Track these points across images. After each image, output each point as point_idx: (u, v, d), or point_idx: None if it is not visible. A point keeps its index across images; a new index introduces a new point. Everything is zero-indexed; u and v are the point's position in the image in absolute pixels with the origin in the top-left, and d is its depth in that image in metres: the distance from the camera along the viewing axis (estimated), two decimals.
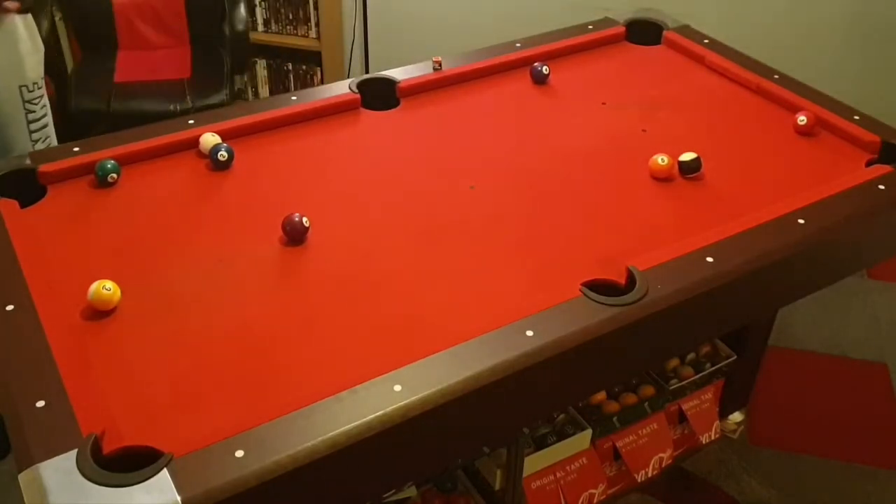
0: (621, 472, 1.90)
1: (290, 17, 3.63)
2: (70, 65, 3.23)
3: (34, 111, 2.01)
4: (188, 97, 2.91)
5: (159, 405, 1.13)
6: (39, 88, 2.02)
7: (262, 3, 3.61)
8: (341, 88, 1.86)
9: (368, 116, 1.83)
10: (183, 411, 1.12)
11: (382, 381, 1.14)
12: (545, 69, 1.94)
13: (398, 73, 1.91)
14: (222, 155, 1.62)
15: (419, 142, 1.75)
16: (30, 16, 1.98)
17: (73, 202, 1.53)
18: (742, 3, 3.25)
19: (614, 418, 1.83)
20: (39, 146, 2.09)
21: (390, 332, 1.26)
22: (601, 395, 1.87)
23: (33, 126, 2.01)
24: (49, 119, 2.08)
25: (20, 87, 1.96)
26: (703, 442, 2.04)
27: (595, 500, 1.84)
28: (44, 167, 1.57)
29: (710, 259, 1.38)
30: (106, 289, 1.27)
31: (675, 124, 1.81)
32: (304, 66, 3.72)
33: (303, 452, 1.04)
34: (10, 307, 1.24)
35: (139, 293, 1.32)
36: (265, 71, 3.76)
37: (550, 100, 1.90)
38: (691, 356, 2.02)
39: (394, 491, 1.64)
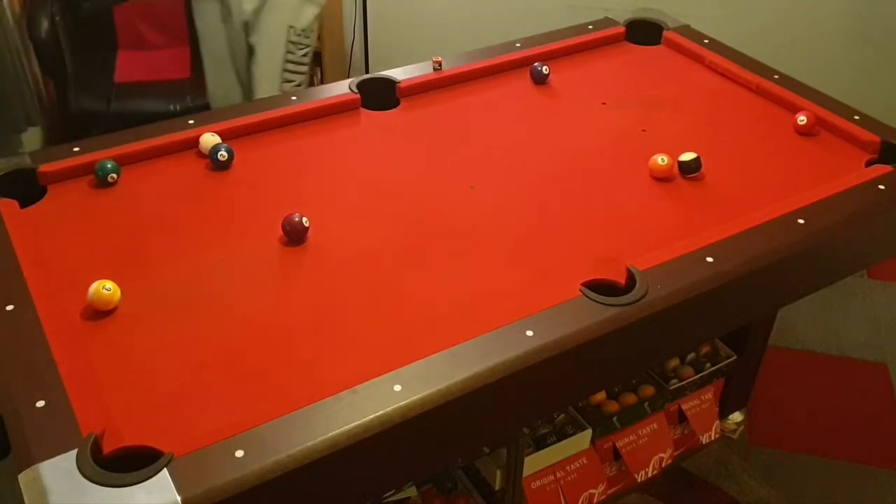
0: (621, 472, 1.90)
1: None
2: (70, 65, 3.22)
3: (294, 53, 2.06)
4: (188, 97, 2.91)
5: (159, 405, 1.13)
6: (307, 38, 2.07)
7: None
8: (341, 88, 1.86)
9: (368, 116, 1.83)
10: (183, 411, 1.12)
11: (382, 381, 1.14)
12: (545, 69, 1.94)
13: (398, 73, 1.91)
14: (222, 155, 1.62)
15: (419, 142, 1.74)
16: None
17: (73, 202, 1.53)
18: (742, 3, 3.25)
19: (614, 418, 1.83)
20: (285, 86, 2.14)
21: (390, 331, 1.26)
22: (601, 395, 1.87)
23: (288, 66, 2.05)
24: (306, 69, 2.12)
25: (289, 27, 2.01)
26: (703, 442, 2.05)
27: (595, 500, 1.85)
28: (44, 167, 1.57)
29: (710, 259, 1.38)
30: (106, 289, 1.27)
31: (675, 124, 1.81)
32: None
33: (303, 452, 1.04)
34: (10, 307, 1.24)
35: (139, 293, 1.32)
36: None
37: (550, 100, 1.90)
38: (691, 356, 2.02)
39: (394, 491, 1.65)
